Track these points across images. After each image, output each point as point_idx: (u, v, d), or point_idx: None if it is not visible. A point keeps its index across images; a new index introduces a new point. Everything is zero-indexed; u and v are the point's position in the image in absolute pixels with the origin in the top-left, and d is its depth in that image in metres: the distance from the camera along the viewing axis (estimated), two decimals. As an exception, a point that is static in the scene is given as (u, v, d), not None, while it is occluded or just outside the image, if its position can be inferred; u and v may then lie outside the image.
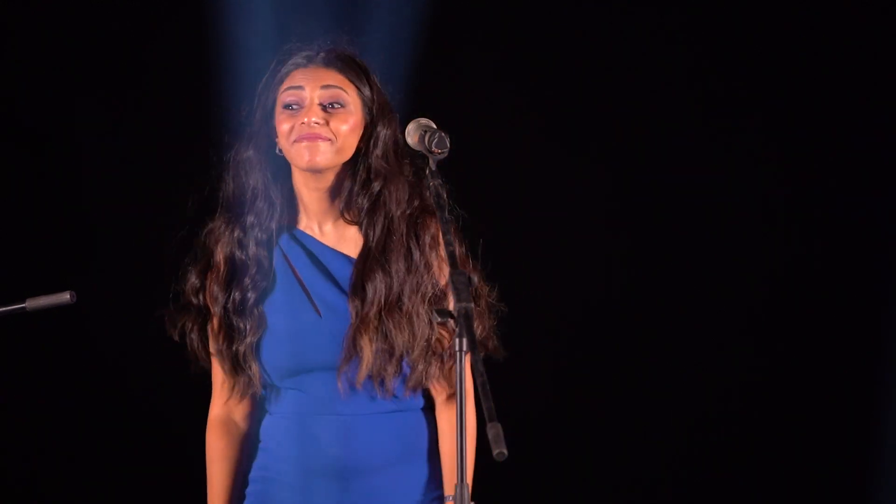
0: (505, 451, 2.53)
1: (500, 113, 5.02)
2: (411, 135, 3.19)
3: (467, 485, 2.71)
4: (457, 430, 2.73)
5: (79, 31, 4.88)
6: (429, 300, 3.34)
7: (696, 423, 5.08)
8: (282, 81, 3.36)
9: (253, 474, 3.46)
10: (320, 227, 3.40)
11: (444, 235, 2.93)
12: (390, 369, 3.32)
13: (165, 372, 4.94)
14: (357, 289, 3.31)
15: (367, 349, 3.29)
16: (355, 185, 3.37)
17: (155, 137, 4.92)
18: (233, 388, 3.44)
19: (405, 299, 3.32)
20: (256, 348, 3.35)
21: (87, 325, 4.84)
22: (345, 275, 3.36)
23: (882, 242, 5.01)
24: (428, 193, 3.36)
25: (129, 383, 4.95)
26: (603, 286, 5.05)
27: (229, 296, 3.36)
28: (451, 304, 3.35)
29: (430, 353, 3.35)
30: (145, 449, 4.96)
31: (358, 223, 3.37)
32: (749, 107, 5.04)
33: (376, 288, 3.31)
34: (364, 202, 3.36)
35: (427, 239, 3.37)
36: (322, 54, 3.38)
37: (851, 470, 5.03)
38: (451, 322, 2.76)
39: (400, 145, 3.39)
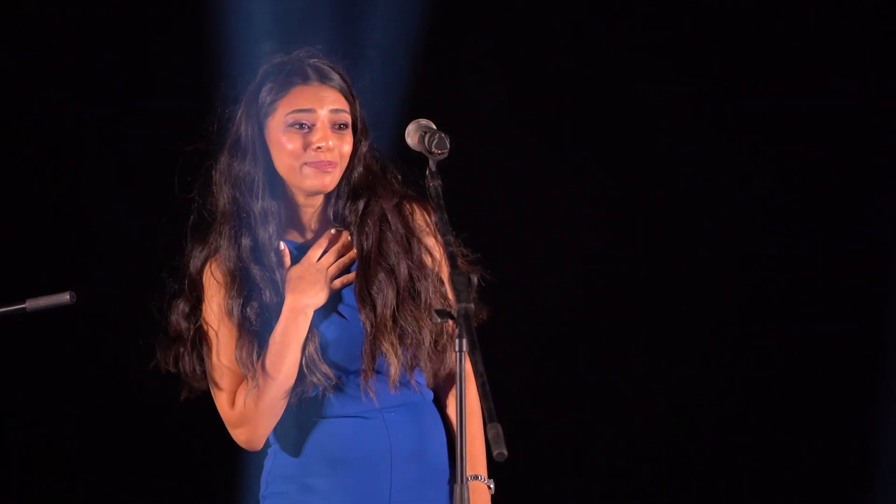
0: (505, 452, 2.54)
1: (498, 115, 5.03)
2: (411, 135, 3.19)
3: (467, 479, 2.71)
4: (457, 429, 2.73)
5: (79, 32, 4.89)
6: (436, 283, 3.35)
7: (696, 423, 5.09)
8: (280, 97, 3.34)
9: (277, 474, 3.40)
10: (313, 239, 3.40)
11: (444, 236, 2.93)
12: (420, 361, 3.31)
13: (165, 372, 4.96)
14: (365, 298, 3.31)
15: (392, 353, 3.28)
16: (341, 199, 3.37)
17: (154, 138, 4.92)
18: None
19: (420, 289, 3.33)
20: (320, 352, 3.31)
21: (87, 325, 4.84)
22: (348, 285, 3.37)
23: (882, 243, 5.03)
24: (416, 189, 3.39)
25: (130, 383, 4.95)
26: (600, 287, 5.07)
27: (249, 309, 3.31)
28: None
29: (447, 340, 3.34)
30: (145, 449, 4.97)
31: (349, 231, 3.37)
32: (744, 108, 5.06)
33: (384, 291, 3.31)
34: (353, 216, 3.36)
35: (418, 222, 3.39)
36: (315, 71, 3.36)
37: (851, 470, 5.04)
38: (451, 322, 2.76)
39: (376, 154, 3.42)
